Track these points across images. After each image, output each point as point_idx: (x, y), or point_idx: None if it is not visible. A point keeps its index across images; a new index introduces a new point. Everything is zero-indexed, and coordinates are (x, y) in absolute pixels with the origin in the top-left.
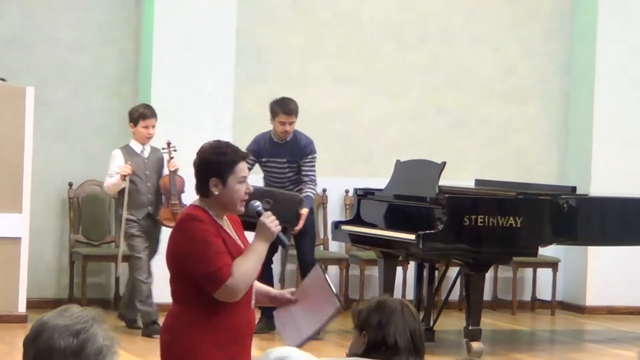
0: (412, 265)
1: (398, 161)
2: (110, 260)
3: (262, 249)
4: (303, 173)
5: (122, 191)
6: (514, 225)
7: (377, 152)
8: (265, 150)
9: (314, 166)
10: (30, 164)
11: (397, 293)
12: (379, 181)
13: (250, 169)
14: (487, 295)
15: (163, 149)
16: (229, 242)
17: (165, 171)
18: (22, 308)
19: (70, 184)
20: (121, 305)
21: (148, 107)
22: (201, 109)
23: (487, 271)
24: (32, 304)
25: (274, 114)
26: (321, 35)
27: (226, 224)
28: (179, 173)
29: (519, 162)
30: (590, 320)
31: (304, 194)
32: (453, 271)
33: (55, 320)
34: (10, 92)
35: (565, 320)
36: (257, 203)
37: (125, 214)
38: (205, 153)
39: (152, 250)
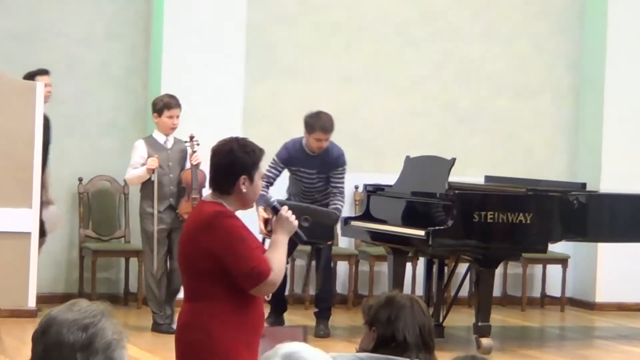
0: (421, 262)
1: (408, 157)
2: (119, 255)
3: (286, 241)
4: (332, 184)
5: (146, 185)
6: (524, 221)
7: (387, 148)
8: (295, 159)
9: (343, 178)
10: (40, 159)
11: (407, 289)
12: (389, 177)
13: (277, 176)
14: (496, 292)
15: (186, 142)
16: (253, 237)
17: (188, 164)
18: (32, 303)
19: (80, 179)
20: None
21: (172, 97)
22: (211, 103)
23: (496, 267)
24: (41, 299)
25: (310, 129)
26: (330, 31)
27: None
28: (200, 167)
29: (528, 158)
30: (599, 317)
31: (333, 207)
32: (462, 267)
33: (63, 315)
34: (20, 88)
35: (575, 317)
36: (273, 198)
37: (156, 209)
38: (235, 152)
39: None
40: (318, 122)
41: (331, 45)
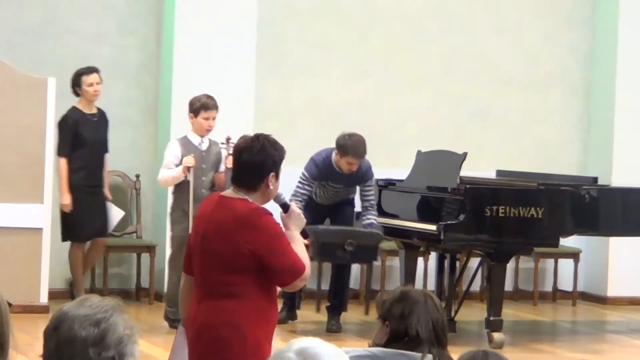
0: (433, 256)
1: (419, 152)
2: (131, 251)
3: (300, 237)
4: (364, 198)
5: (180, 186)
6: (535, 215)
7: (398, 143)
8: (325, 175)
9: (373, 190)
10: (52, 154)
11: (418, 284)
12: (400, 172)
13: (311, 192)
14: (508, 286)
15: (222, 143)
16: None
17: (222, 167)
18: (43, 298)
19: None
20: None
21: (210, 97)
22: (222, 99)
23: (508, 262)
24: (53, 295)
25: (343, 152)
26: (342, 25)
27: None
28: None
29: (540, 152)
30: (611, 311)
31: (368, 221)
32: (474, 262)
33: (75, 310)
34: (31, 83)
35: (587, 311)
36: (283, 195)
37: (191, 211)
38: (267, 149)
39: None
40: (352, 148)
41: (343, 41)
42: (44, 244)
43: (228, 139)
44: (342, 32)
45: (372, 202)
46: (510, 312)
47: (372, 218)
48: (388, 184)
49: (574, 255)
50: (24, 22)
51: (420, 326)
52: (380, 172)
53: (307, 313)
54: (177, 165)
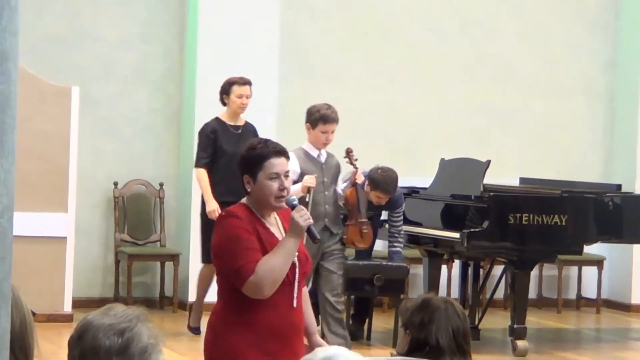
0: (457, 264)
1: (442, 159)
2: (155, 259)
3: (290, 244)
4: (392, 224)
5: (301, 204)
6: (559, 223)
7: (419, 149)
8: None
9: (402, 217)
10: (76, 163)
11: (442, 292)
12: (423, 180)
13: None
14: (532, 294)
15: (344, 157)
16: (267, 239)
17: (341, 183)
18: (67, 307)
19: (116, 184)
20: None
21: (330, 108)
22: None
23: (532, 269)
24: (77, 304)
25: (373, 185)
26: (363, 30)
27: (274, 221)
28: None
29: (563, 159)
30: (636, 319)
31: (394, 249)
32: (498, 269)
33: (100, 320)
34: (55, 92)
35: (611, 319)
36: (294, 197)
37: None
38: (243, 152)
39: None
40: (382, 184)
41: (365, 46)
42: (67, 253)
43: (349, 151)
44: (364, 38)
45: (400, 229)
46: (534, 320)
47: (398, 246)
48: (411, 192)
49: (598, 262)
50: (48, 30)
51: (441, 335)
52: (403, 180)
53: None
54: (295, 181)
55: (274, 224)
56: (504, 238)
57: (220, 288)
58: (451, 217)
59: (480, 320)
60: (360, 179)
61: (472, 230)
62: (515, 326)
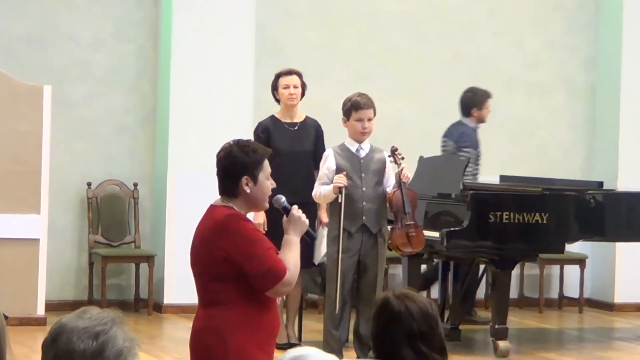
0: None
1: (422, 157)
2: (129, 261)
3: (297, 241)
4: None
5: (333, 204)
6: (540, 221)
7: (400, 147)
8: None
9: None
10: (49, 163)
11: (422, 292)
12: None
13: None
14: (513, 293)
15: (388, 156)
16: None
17: (392, 180)
18: (41, 310)
19: (89, 184)
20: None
21: (363, 95)
22: (221, 105)
23: (513, 268)
24: (51, 306)
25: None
26: (341, 31)
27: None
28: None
29: (543, 157)
30: (619, 318)
31: None
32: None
33: (74, 323)
34: (27, 91)
35: (594, 318)
36: (283, 198)
37: (341, 234)
38: (234, 153)
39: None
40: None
41: (342, 46)
42: (40, 255)
43: (394, 150)
44: (341, 38)
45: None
46: (515, 320)
47: None
48: None
49: (580, 261)
50: (22, 30)
51: (398, 346)
52: None
53: (309, 322)
54: (331, 180)
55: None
56: (484, 237)
57: (219, 293)
58: (431, 215)
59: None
60: (406, 178)
61: (451, 229)
62: (496, 326)
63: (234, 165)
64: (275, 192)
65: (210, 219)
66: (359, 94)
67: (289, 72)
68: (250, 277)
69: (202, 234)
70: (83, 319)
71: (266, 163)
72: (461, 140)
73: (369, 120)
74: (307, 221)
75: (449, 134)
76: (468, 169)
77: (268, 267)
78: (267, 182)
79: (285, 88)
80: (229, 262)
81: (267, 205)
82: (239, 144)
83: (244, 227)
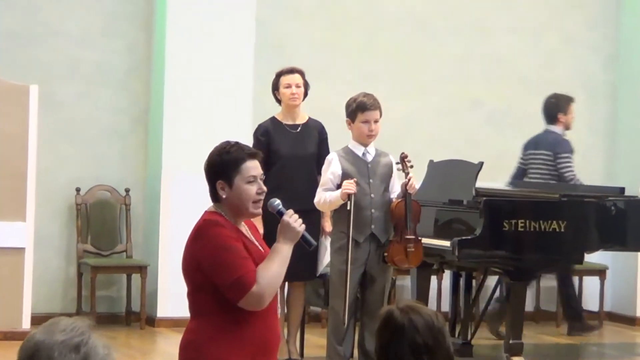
0: (447, 275)
1: (431, 162)
2: (121, 271)
3: (286, 251)
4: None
5: (340, 211)
6: (558, 230)
7: (408, 152)
8: None
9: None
10: (35, 167)
11: (432, 304)
12: None
13: None
14: (528, 306)
15: (397, 163)
16: (251, 247)
17: (396, 186)
18: (26, 324)
19: (78, 189)
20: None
21: (369, 96)
22: (218, 106)
23: (529, 280)
24: (37, 320)
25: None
26: (346, 27)
27: (245, 229)
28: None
29: None
30: None
31: None
32: (492, 280)
33: (50, 338)
34: (13, 90)
35: (615, 333)
36: (277, 201)
37: (351, 243)
38: (211, 155)
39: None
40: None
41: (347, 42)
42: (26, 265)
43: (404, 157)
44: (346, 33)
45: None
46: (531, 335)
47: None
48: None
49: (600, 272)
50: (5, 25)
51: (404, 357)
52: None
53: (311, 337)
54: (337, 186)
55: (247, 232)
56: (498, 246)
57: (197, 304)
58: (441, 224)
59: (472, 335)
60: (412, 188)
61: (463, 238)
62: (510, 342)
63: (208, 169)
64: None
65: (195, 225)
66: (364, 94)
67: (291, 71)
68: (219, 287)
69: (187, 242)
70: (57, 332)
71: (246, 166)
72: (559, 148)
73: (376, 122)
74: (300, 227)
75: (535, 144)
76: (571, 173)
77: (236, 277)
78: (246, 186)
79: (286, 87)
80: (202, 271)
81: (254, 211)
82: (219, 145)
83: (217, 233)
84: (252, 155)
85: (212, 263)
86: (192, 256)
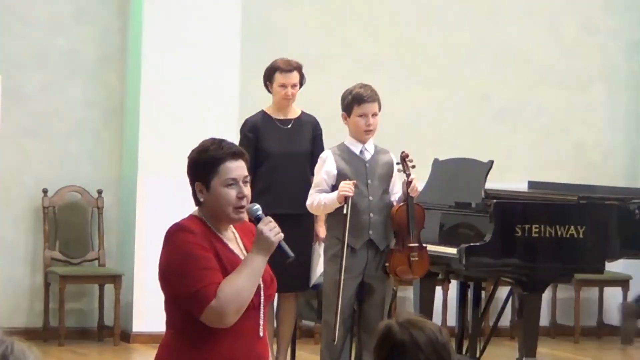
0: (454, 285)
1: (436, 160)
2: (92, 281)
3: (257, 262)
4: None
5: (335, 215)
6: (576, 235)
7: (410, 149)
8: None
9: None
10: None
11: (437, 318)
12: None
13: None
14: (544, 320)
15: (397, 163)
16: (227, 257)
17: (396, 188)
18: None
19: (45, 191)
20: None
21: (365, 86)
22: (201, 98)
23: (543, 291)
24: None
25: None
26: (342, 11)
27: (232, 236)
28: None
29: (580, 159)
30: None
31: None
32: (503, 291)
33: None
34: None
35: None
36: (257, 207)
37: (346, 250)
38: (190, 153)
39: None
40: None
41: (343, 29)
42: None
43: (405, 157)
44: (342, 19)
45: None
46: (546, 352)
47: None
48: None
49: (623, 282)
50: None
51: None
52: None
53: (303, 354)
54: (332, 187)
55: (232, 240)
56: (510, 254)
57: (169, 316)
58: (447, 229)
59: (482, 352)
60: (415, 192)
61: (471, 244)
62: (524, 359)
63: (188, 169)
64: (267, 201)
65: None
66: (361, 85)
67: (289, 68)
68: (180, 300)
69: None
70: None
71: (225, 167)
72: None
73: (374, 115)
74: (275, 237)
75: None
76: None
77: (195, 290)
78: (224, 189)
79: (281, 87)
80: (165, 279)
81: (236, 217)
82: (202, 143)
83: (182, 240)
84: (233, 155)
85: (174, 272)
86: (159, 263)
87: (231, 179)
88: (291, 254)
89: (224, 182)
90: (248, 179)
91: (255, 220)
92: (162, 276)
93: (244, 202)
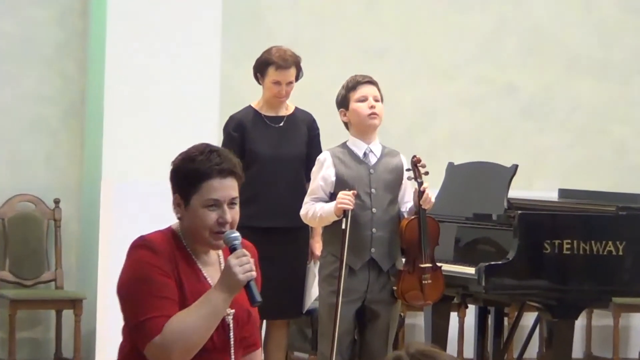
0: (471, 310)
1: (451, 164)
2: (49, 306)
3: (217, 301)
4: None
5: (333, 228)
6: (614, 252)
7: (422, 152)
8: None
9: None
10: None
11: (452, 349)
12: None
13: None
14: (577, 352)
15: (407, 170)
16: (192, 287)
17: (406, 196)
18: None
19: None
20: None
21: (360, 74)
22: (176, 93)
23: (576, 318)
24: None
25: None
26: None
27: (214, 259)
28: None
29: (619, 164)
30: None
31: None
32: (529, 318)
33: None
34: None
35: None
36: (236, 234)
37: (344, 269)
38: (175, 158)
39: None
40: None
41: (345, 12)
42: None
43: (416, 162)
44: (344, 1)
45: None
46: None
47: None
48: None
49: None
50: None
51: None
52: None
53: None
54: (330, 195)
55: (213, 265)
56: (537, 274)
57: (122, 341)
58: (463, 245)
59: None
60: (428, 203)
61: (492, 263)
62: None
63: (170, 178)
64: (253, 212)
65: None
66: (362, 76)
67: (285, 65)
68: (127, 327)
69: None
70: None
71: (209, 185)
72: None
73: (376, 100)
74: (243, 275)
75: None
76: None
77: (143, 319)
78: (202, 210)
79: (275, 84)
80: (120, 301)
81: (213, 243)
82: (192, 148)
83: (140, 258)
84: (222, 172)
85: (125, 294)
86: (118, 278)
87: (213, 199)
88: (258, 298)
89: (205, 202)
90: (236, 200)
91: (231, 250)
92: (117, 294)
93: (225, 229)
